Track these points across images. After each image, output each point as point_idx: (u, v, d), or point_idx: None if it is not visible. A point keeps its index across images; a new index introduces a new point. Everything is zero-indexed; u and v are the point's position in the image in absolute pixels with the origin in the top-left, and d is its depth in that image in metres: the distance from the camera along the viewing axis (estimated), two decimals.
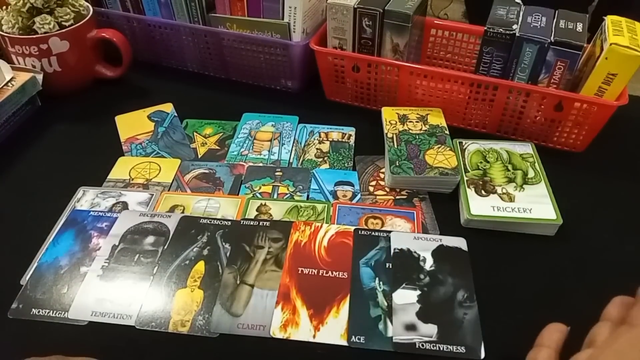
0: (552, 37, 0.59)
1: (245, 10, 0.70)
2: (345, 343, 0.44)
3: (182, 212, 0.56)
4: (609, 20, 0.60)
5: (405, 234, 0.53)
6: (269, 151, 0.65)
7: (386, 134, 0.63)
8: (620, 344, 0.34)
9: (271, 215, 0.56)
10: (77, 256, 0.51)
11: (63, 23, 0.70)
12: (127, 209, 0.56)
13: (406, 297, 0.47)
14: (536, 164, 0.60)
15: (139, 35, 0.79)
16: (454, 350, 0.43)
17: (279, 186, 0.60)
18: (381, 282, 0.49)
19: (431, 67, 0.67)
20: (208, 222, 0.54)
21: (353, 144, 0.66)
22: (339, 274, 0.49)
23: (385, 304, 0.47)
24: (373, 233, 0.53)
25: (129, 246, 0.52)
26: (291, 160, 0.64)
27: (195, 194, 0.59)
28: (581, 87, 0.60)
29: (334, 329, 0.45)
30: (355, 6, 0.65)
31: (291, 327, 0.45)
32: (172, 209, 0.57)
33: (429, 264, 0.50)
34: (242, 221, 0.55)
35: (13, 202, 0.59)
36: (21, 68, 0.71)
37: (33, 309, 0.47)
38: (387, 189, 0.60)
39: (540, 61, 0.61)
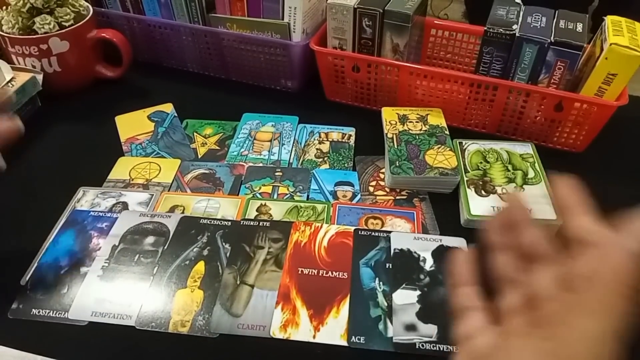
0: (552, 37, 0.59)
1: (245, 11, 0.70)
2: (345, 343, 0.44)
3: (182, 213, 0.56)
4: (609, 20, 0.60)
5: (405, 234, 0.53)
6: (269, 151, 0.65)
7: (386, 134, 0.63)
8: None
9: (271, 215, 0.56)
10: (77, 256, 0.51)
11: (63, 23, 0.70)
12: (127, 209, 0.56)
13: (406, 298, 0.47)
14: (536, 164, 0.60)
15: (139, 35, 0.79)
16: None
17: (279, 186, 0.60)
18: (381, 282, 0.49)
19: (431, 67, 0.67)
20: (208, 222, 0.54)
21: (353, 144, 0.66)
22: (339, 274, 0.49)
23: (385, 304, 0.47)
24: (373, 233, 0.53)
25: (129, 246, 0.52)
26: (291, 161, 0.64)
27: (195, 194, 0.59)
28: (581, 87, 0.60)
29: (334, 329, 0.45)
30: (355, 6, 0.65)
31: (291, 327, 0.45)
32: (172, 209, 0.57)
33: (429, 264, 0.50)
34: (242, 221, 0.55)
35: (13, 202, 0.59)
36: (21, 68, 0.71)
37: (33, 309, 0.47)
38: (387, 189, 0.60)
39: (540, 61, 0.61)
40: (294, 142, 0.67)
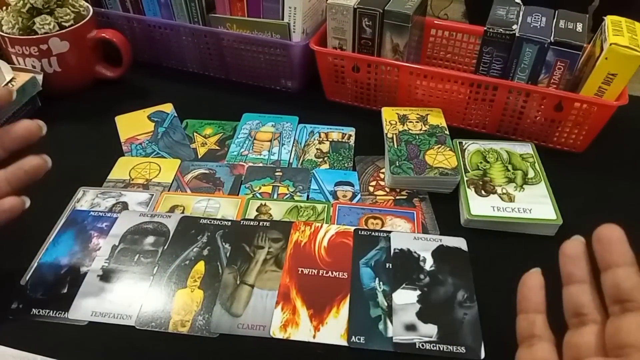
0: (552, 37, 0.59)
1: (245, 11, 0.70)
2: (345, 343, 0.44)
3: (182, 213, 0.56)
4: (609, 20, 0.60)
5: (405, 234, 0.53)
6: (269, 151, 0.65)
7: (386, 134, 0.63)
8: None
9: (271, 215, 0.56)
10: (77, 256, 0.51)
11: (63, 23, 0.70)
12: (127, 209, 0.56)
13: (406, 297, 0.47)
14: (536, 164, 0.60)
15: (139, 35, 0.79)
16: (454, 351, 0.43)
17: (279, 186, 0.60)
18: (381, 282, 0.49)
19: (431, 68, 0.67)
20: (208, 222, 0.54)
21: (353, 144, 0.66)
22: (339, 274, 0.49)
23: (385, 304, 0.47)
24: (373, 233, 0.53)
25: (129, 246, 0.52)
26: (291, 161, 0.64)
27: (195, 194, 0.59)
28: (581, 87, 0.60)
29: (334, 329, 0.45)
30: (355, 6, 0.65)
31: (291, 327, 0.45)
32: (172, 209, 0.57)
33: (429, 264, 0.50)
34: (242, 221, 0.55)
35: None
36: (21, 68, 0.71)
37: (33, 309, 0.47)
38: (387, 189, 0.60)
39: (540, 61, 0.61)
40: (294, 142, 0.67)
